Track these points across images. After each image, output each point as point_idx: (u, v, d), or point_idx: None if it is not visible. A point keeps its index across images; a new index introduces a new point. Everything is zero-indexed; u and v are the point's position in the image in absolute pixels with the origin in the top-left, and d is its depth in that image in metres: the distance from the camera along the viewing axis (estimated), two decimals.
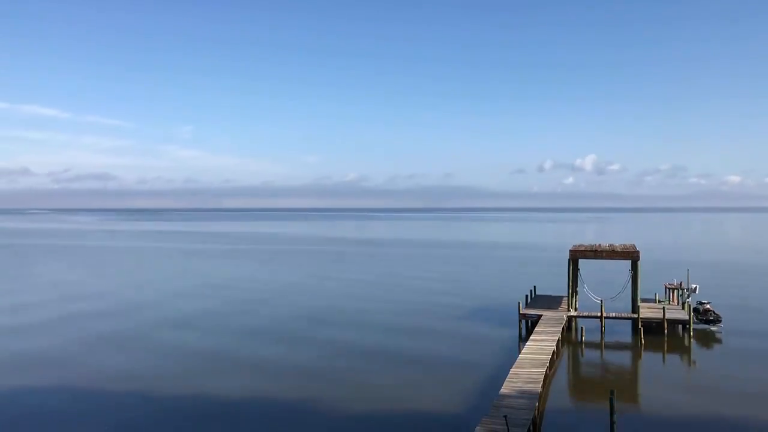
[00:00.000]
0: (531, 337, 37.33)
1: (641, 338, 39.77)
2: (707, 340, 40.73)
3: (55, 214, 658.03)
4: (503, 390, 26.35)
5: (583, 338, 40.52)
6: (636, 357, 37.16)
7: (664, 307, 43.63)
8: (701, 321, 43.77)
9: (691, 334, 41.35)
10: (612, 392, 22.44)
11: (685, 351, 38.58)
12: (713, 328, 43.19)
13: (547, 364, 31.06)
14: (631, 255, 43.94)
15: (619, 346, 39.57)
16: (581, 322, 43.86)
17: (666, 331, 41.82)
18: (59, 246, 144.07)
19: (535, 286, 54.24)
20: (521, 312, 44.25)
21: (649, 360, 36.31)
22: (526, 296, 49.81)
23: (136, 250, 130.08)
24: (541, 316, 43.21)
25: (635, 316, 42.50)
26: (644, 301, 48.48)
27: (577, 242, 56.35)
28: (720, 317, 44.03)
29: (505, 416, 21.94)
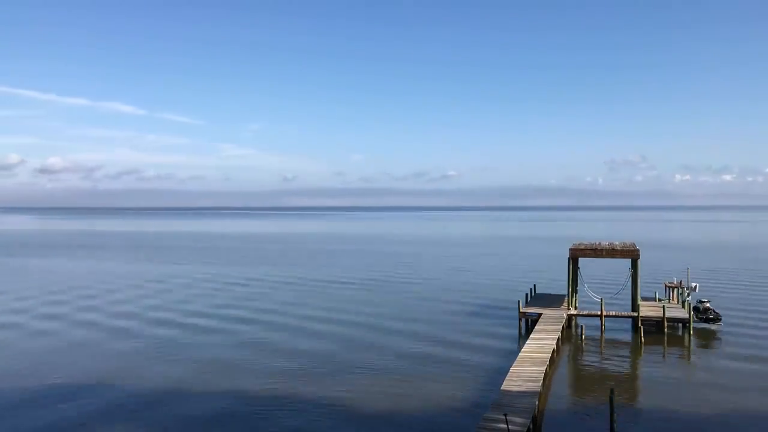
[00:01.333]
0: (531, 336, 37.36)
1: (641, 337, 39.78)
2: (707, 338, 40.75)
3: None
4: (503, 388, 26.37)
5: (583, 337, 40.54)
6: (636, 355, 37.17)
7: (664, 306, 43.68)
8: (701, 319, 43.79)
9: (691, 332, 41.37)
10: (612, 390, 22.47)
11: (684, 349, 38.61)
12: (713, 327, 43.21)
13: (547, 362, 31.09)
14: (631, 254, 43.94)
15: (619, 345, 39.58)
16: (581, 321, 43.89)
17: (666, 329, 41.86)
18: None
19: (535, 285, 54.30)
20: (521, 310, 44.27)
21: (649, 358, 36.32)
22: (526, 295, 49.85)
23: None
24: (541, 314, 43.22)
25: (635, 314, 42.51)
26: (644, 299, 48.53)
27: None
28: (720, 316, 44.06)
29: (506, 414, 21.97)
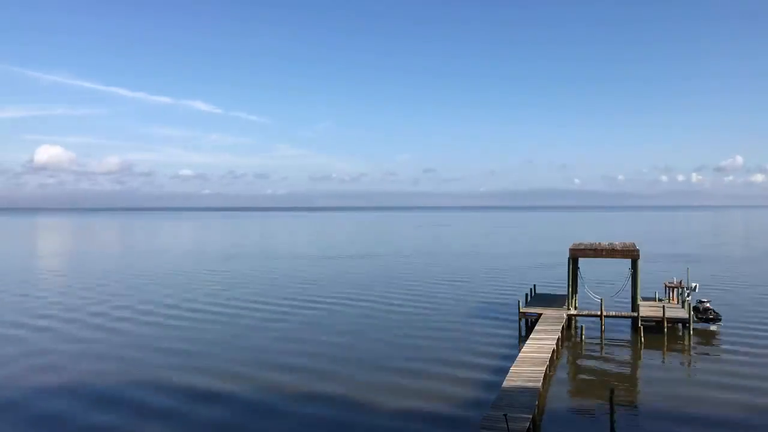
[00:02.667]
0: (531, 336, 37.36)
1: (641, 337, 39.79)
2: (707, 338, 40.76)
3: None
4: (503, 389, 26.37)
5: (583, 337, 40.54)
6: (636, 356, 37.18)
7: (663, 306, 43.67)
8: (701, 320, 43.81)
9: (691, 332, 41.38)
10: (612, 391, 22.48)
11: (684, 349, 38.61)
12: (713, 327, 43.22)
13: (547, 362, 31.09)
14: (631, 254, 43.95)
15: (618, 345, 39.59)
16: (581, 321, 43.89)
17: (666, 329, 41.85)
18: None
19: (535, 285, 54.29)
20: (521, 310, 44.27)
21: (649, 359, 36.34)
22: (526, 295, 49.80)
23: None
24: (540, 314, 43.22)
25: (635, 314, 42.51)
26: (644, 299, 48.52)
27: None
28: (720, 316, 44.08)
29: (505, 415, 21.97)
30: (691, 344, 39.40)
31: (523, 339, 39.25)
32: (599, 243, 47.60)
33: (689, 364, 35.61)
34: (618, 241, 52.90)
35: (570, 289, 45.42)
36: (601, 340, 40.42)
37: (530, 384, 26.83)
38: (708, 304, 45.17)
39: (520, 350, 34.28)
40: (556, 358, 35.22)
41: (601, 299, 43.55)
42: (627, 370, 34.22)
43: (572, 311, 44.53)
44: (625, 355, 37.66)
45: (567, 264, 46.01)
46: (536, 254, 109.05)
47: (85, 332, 43.77)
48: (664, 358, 36.58)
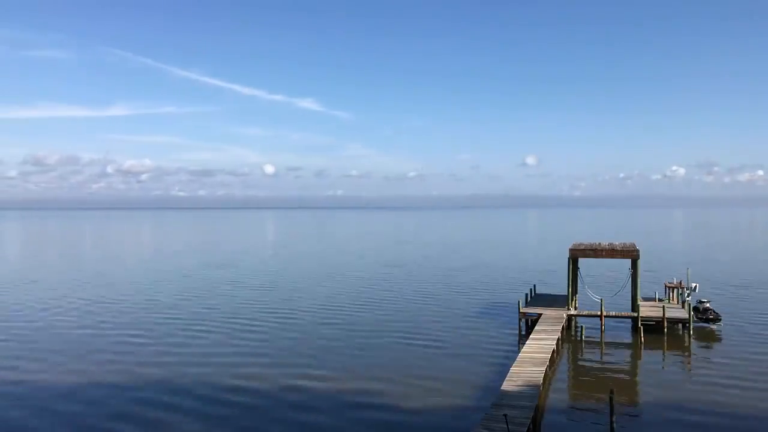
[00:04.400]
0: (531, 336, 37.37)
1: (641, 337, 39.81)
2: (707, 338, 40.77)
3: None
4: (503, 389, 26.38)
5: (583, 337, 40.56)
6: (636, 356, 37.19)
7: (663, 306, 43.69)
8: (701, 320, 43.83)
9: (691, 332, 41.40)
10: (612, 391, 22.47)
11: (684, 350, 38.63)
12: (713, 327, 43.24)
13: (547, 362, 31.10)
14: (631, 254, 43.97)
15: (618, 345, 39.61)
16: (581, 321, 43.91)
17: (666, 329, 41.87)
18: None
19: (535, 285, 54.30)
20: (521, 311, 44.28)
21: (649, 359, 36.35)
22: (526, 295, 49.79)
23: None
24: (540, 314, 43.23)
25: (635, 314, 42.53)
26: (644, 299, 48.54)
27: None
28: (720, 316, 44.10)
29: (505, 415, 21.98)
30: (691, 344, 39.42)
31: (523, 339, 39.25)
32: (599, 243, 47.59)
33: (689, 364, 35.63)
34: (619, 241, 52.88)
35: (570, 290, 45.41)
36: (601, 340, 40.44)
37: (530, 384, 26.84)
38: (708, 304, 45.19)
39: (520, 350, 34.29)
40: (556, 358, 35.24)
41: (601, 299, 43.57)
42: (627, 370, 34.24)
43: (572, 311, 44.54)
44: (625, 355, 37.68)
45: (567, 264, 46.03)
46: (538, 254, 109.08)
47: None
48: (664, 358, 36.61)
